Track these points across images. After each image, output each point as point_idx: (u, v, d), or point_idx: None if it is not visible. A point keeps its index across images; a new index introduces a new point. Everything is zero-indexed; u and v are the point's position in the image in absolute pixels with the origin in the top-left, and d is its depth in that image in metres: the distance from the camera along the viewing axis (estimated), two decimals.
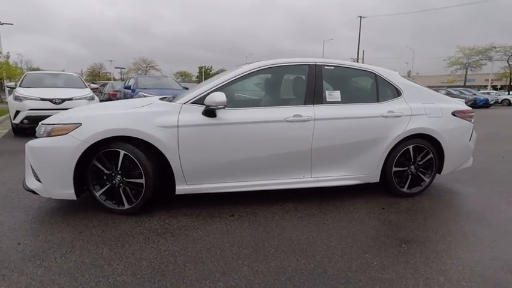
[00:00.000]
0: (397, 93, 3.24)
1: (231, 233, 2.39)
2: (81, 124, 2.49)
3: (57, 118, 2.63)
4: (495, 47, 37.58)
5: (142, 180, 2.57)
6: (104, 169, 2.60)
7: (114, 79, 43.62)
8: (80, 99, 6.65)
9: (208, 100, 2.57)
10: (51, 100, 6.34)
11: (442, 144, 3.23)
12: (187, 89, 9.92)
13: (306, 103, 2.94)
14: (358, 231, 2.50)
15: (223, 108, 2.57)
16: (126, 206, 2.62)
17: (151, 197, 2.63)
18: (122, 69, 51.79)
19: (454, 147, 3.30)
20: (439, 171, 3.35)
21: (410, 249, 2.24)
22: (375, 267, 2.00)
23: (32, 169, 2.56)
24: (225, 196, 2.95)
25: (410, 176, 3.25)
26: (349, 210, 2.90)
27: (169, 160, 2.59)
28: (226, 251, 2.12)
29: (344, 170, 3.06)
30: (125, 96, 9.03)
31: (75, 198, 2.55)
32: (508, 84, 40.68)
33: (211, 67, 66.97)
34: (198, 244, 2.20)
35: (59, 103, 6.38)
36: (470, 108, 3.49)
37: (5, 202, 2.86)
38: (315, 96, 2.97)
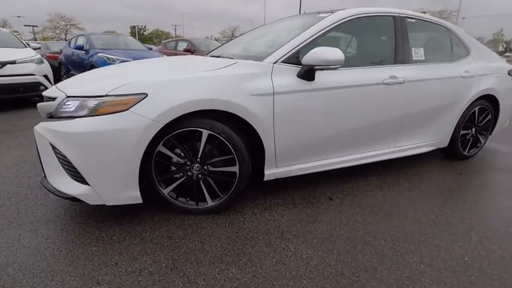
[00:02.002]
0: (466, 51, 3.03)
1: (354, 221, 1.98)
2: (146, 95, 1.70)
3: (98, 87, 1.74)
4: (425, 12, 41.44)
5: (235, 168, 1.93)
6: (174, 157, 1.88)
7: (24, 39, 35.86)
8: (25, 62, 5.03)
9: (312, 58, 1.96)
10: None
11: (500, 105, 3.20)
12: (151, 49, 8.53)
13: (396, 62, 2.53)
14: (472, 201, 2.32)
15: (339, 68, 2.01)
16: (210, 203, 1.97)
17: (245, 188, 2.02)
18: (34, 27, 42.70)
19: (506, 107, 3.31)
20: (491, 131, 3.37)
21: None
22: None
23: (69, 167, 1.70)
24: (286, 178, 2.47)
25: (471, 138, 3.21)
26: (435, 179, 2.71)
27: (262, 138, 1.98)
28: (378, 248, 1.73)
29: (422, 137, 2.83)
30: (74, 60, 7.32)
31: (141, 202, 1.82)
32: None
33: (145, 27, 59.94)
34: (338, 243, 1.75)
35: None
36: None
37: (9, 215, 1.93)
38: (403, 54, 2.56)
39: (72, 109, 1.70)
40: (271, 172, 2.14)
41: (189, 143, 1.89)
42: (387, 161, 2.81)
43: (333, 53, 1.92)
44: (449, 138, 3.00)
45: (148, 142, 1.68)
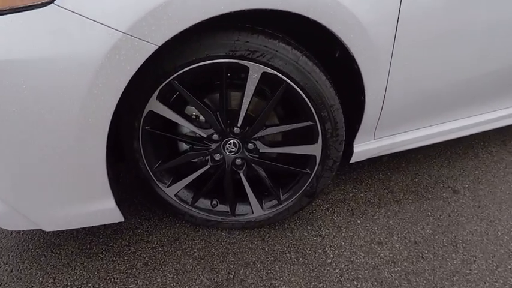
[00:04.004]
0: None
1: None
2: None
3: None
4: None
5: (315, 148, 0.92)
6: (184, 124, 0.91)
7: None
8: None
9: None
10: None
11: None
12: None
13: None
14: None
15: None
16: (258, 211, 1.01)
17: (325, 188, 1.08)
18: None
19: None
20: None
21: None
22: None
23: None
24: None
25: None
26: None
27: (365, 81, 0.97)
28: None
29: None
30: None
31: (122, 220, 0.91)
32: None
33: None
34: None
35: None
36: None
37: None
38: None
39: None
40: (365, 148, 1.16)
41: (215, 95, 0.91)
42: None
43: None
44: None
45: (120, 91, 0.69)
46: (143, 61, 0.65)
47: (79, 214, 0.79)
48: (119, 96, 0.66)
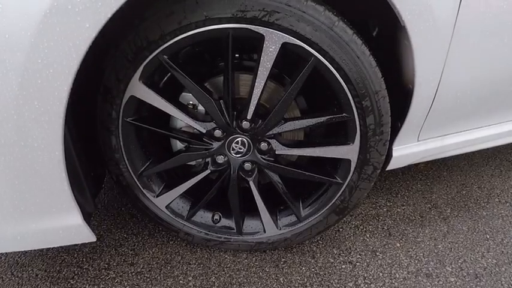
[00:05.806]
0: None
1: None
2: None
3: None
4: None
5: (350, 150, 0.67)
6: (178, 115, 0.70)
7: None
8: None
9: None
10: None
11: None
12: None
13: None
14: None
15: None
16: (272, 229, 0.79)
17: (359, 203, 0.86)
18: None
19: None
20: None
21: None
22: None
23: None
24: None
25: None
26: None
27: (416, 64, 0.73)
28: None
29: None
30: None
31: (94, 239, 0.72)
32: None
33: None
34: None
35: None
36: None
37: None
38: None
39: None
40: (406, 152, 0.91)
41: (218, 78, 0.71)
42: None
43: None
44: None
45: (76, 61, 0.47)
46: (110, 15, 0.45)
47: (31, 232, 0.59)
48: (75, 68, 0.46)
